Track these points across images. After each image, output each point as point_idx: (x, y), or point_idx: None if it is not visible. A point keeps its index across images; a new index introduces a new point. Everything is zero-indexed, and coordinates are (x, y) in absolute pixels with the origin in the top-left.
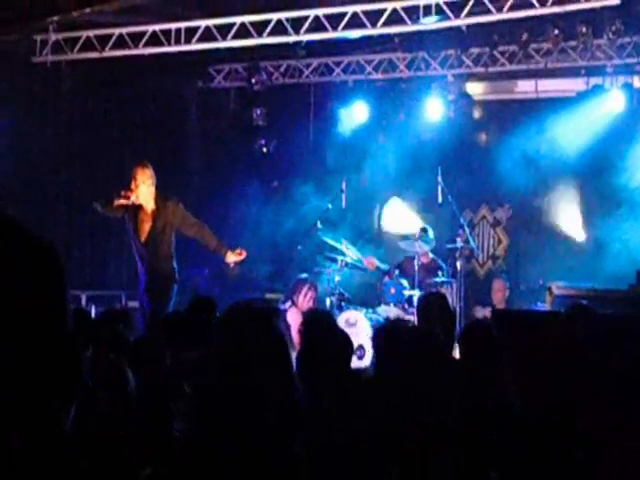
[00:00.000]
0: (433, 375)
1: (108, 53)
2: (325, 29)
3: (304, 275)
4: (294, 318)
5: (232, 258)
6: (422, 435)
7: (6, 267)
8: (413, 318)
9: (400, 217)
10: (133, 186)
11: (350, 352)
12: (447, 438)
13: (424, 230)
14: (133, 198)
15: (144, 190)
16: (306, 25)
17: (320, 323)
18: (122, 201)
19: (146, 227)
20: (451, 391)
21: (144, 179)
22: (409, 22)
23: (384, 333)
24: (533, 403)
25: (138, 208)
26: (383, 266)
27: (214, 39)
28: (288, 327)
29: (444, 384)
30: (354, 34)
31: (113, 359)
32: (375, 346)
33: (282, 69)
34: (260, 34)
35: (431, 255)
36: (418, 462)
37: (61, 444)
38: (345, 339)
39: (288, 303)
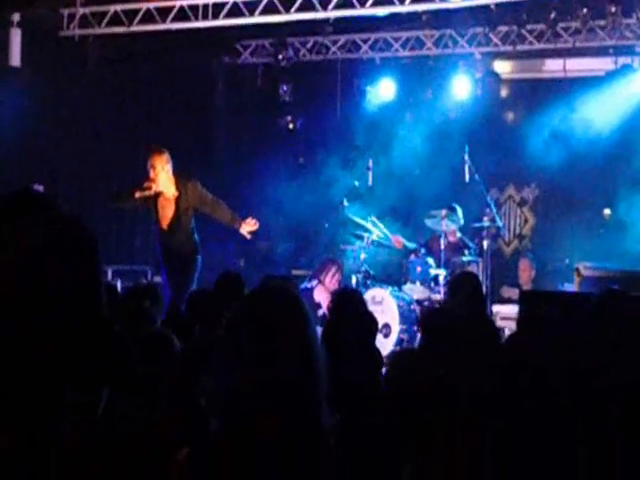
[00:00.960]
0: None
1: (135, 28)
2: (352, 6)
3: (327, 256)
4: (323, 297)
5: (247, 229)
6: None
7: (46, 248)
8: (439, 297)
9: None
10: (153, 175)
11: (375, 331)
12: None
13: (451, 209)
14: (154, 187)
15: (164, 176)
16: (334, 1)
17: (350, 301)
18: (145, 193)
19: (168, 213)
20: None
21: (163, 165)
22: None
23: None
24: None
25: (158, 195)
26: (410, 244)
27: (242, 15)
28: (315, 305)
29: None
30: (381, 11)
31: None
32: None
33: (309, 45)
34: (287, 10)
35: (458, 234)
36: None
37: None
38: (371, 318)
39: (315, 281)
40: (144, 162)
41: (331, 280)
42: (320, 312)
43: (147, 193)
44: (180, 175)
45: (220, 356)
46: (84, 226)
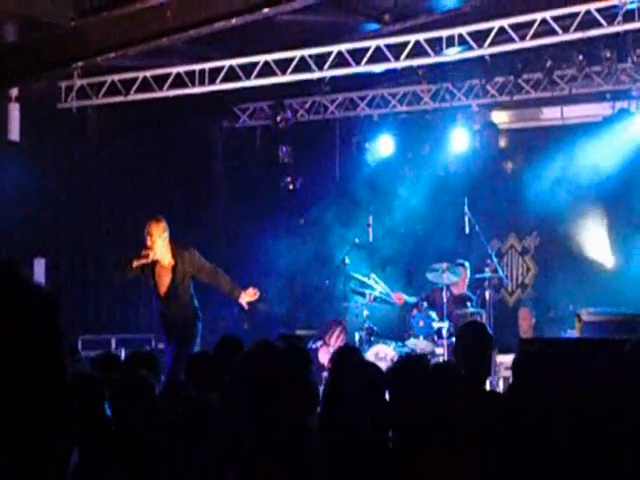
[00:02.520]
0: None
1: (133, 97)
2: (348, 64)
3: (335, 317)
4: (327, 358)
5: (246, 299)
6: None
7: (4, 314)
8: (442, 350)
9: None
10: (150, 243)
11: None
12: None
13: (460, 265)
14: (152, 255)
15: (160, 244)
16: (329, 61)
17: (349, 358)
18: (142, 261)
19: (165, 281)
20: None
21: (159, 233)
22: (432, 54)
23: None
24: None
25: (155, 263)
26: (411, 300)
27: (238, 78)
28: (320, 367)
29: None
30: (378, 68)
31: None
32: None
33: (307, 106)
34: (284, 72)
35: (452, 284)
36: None
37: None
38: (375, 371)
39: (319, 342)
40: (132, 250)
41: (336, 341)
42: (324, 374)
43: (144, 261)
44: (176, 243)
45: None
46: (41, 291)
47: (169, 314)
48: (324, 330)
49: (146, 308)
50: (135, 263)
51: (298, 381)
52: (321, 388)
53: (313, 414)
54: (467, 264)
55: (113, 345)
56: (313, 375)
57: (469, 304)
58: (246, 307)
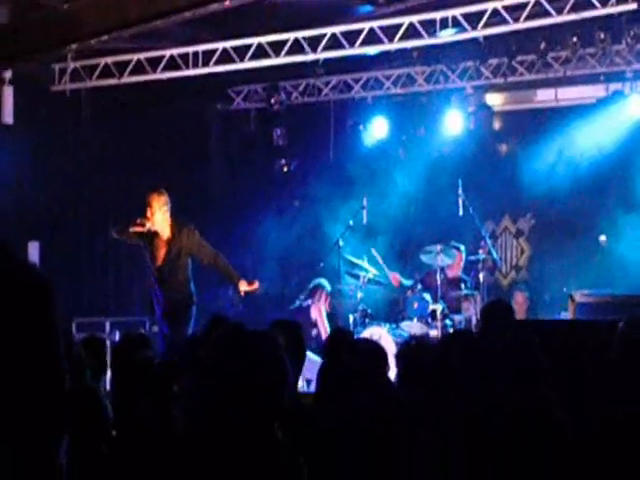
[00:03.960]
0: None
1: (126, 79)
2: (342, 46)
3: (318, 281)
4: (317, 315)
5: (244, 287)
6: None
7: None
8: (436, 332)
9: None
10: (149, 213)
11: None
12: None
13: (455, 247)
14: (149, 225)
15: (160, 217)
16: (323, 43)
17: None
18: (137, 228)
19: (161, 253)
20: None
21: (160, 206)
22: (426, 36)
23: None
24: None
25: (154, 235)
26: (407, 282)
27: (232, 61)
28: (311, 324)
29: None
30: (372, 50)
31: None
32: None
33: (301, 88)
34: (278, 54)
35: (446, 266)
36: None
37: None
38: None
39: (309, 300)
40: (141, 211)
41: (324, 302)
42: (314, 331)
43: (140, 229)
44: (177, 219)
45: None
46: (35, 272)
47: (163, 290)
48: (312, 292)
49: (140, 290)
50: (132, 228)
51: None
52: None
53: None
54: (462, 247)
55: (107, 328)
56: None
57: (463, 286)
58: (243, 294)
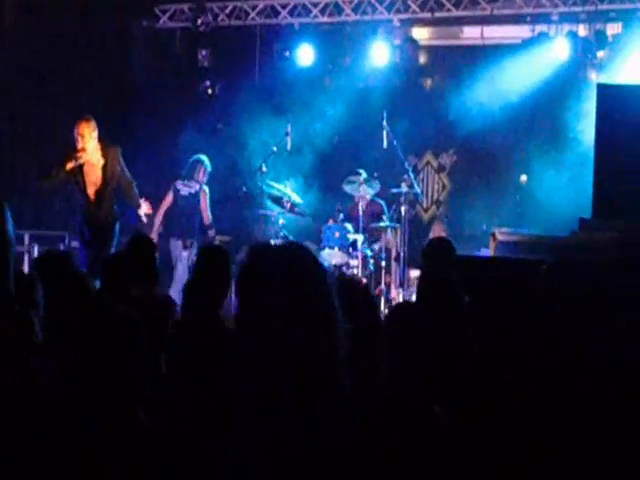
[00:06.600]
0: None
1: None
2: None
3: (197, 156)
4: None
5: (146, 210)
6: None
7: None
8: (357, 262)
9: None
10: (82, 144)
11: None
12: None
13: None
14: (85, 157)
15: (92, 145)
16: None
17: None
18: (78, 162)
19: (94, 179)
20: None
21: (90, 132)
22: None
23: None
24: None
25: (83, 164)
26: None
27: None
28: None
29: None
30: None
31: None
32: None
33: (228, 10)
34: None
35: (368, 197)
36: None
37: None
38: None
39: (196, 185)
40: (60, 124)
41: (203, 177)
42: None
43: (79, 162)
44: (104, 141)
45: None
46: None
47: (92, 214)
48: (190, 172)
49: (61, 204)
50: (69, 165)
51: None
52: None
53: None
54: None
55: (26, 241)
56: None
57: (384, 217)
58: (145, 219)
